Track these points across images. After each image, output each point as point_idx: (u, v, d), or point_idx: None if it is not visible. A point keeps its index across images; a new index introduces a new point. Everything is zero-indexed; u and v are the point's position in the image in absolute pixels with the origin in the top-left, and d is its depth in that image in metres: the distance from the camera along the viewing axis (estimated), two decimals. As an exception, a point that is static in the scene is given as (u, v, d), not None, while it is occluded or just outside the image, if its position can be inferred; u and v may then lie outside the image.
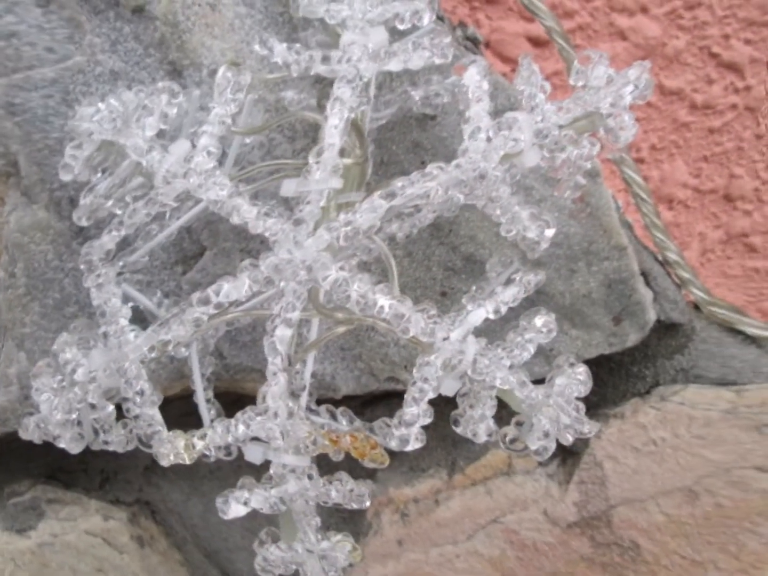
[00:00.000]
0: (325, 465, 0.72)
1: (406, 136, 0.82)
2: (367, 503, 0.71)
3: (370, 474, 0.92)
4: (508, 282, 0.71)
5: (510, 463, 0.93)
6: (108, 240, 0.71)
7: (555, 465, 0.94)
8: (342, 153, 0.66)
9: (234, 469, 0.88)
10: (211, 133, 0.69)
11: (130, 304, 0.72)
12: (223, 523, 0.90)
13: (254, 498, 0.69)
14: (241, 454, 0.70)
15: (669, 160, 1.26)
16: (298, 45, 0.70)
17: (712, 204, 1.27)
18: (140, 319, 0.74)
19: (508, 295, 0.69)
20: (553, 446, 0.68)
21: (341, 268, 0.64)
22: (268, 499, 0.70)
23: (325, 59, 0.68)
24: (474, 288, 0.74)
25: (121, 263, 0.73)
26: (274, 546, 0.73)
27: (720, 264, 1.30)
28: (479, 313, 0.68)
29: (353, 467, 0.74)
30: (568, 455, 0.94)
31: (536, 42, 1.20)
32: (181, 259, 0.84)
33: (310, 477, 0.69)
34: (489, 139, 0.65)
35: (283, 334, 0.65)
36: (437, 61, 0.69)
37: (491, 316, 0.68)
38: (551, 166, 0.68)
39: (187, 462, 0.69)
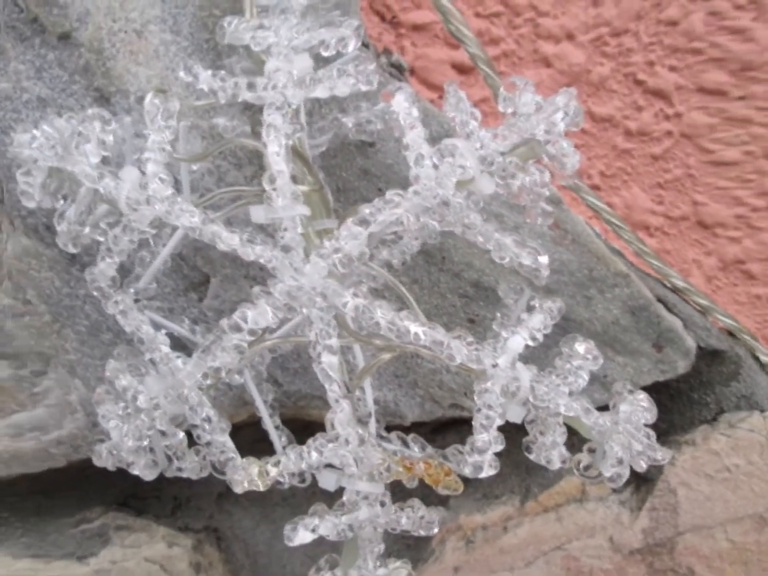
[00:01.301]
0: (398, 491, 0.72)
1: (351, 163, 0.84)
2: (436, 530, 0.72)
3: (443, 501, 0.92)
4: (530, 309, 0.72)
5: (583, 490, 0.93)
6: (105, 267, 0.71)
7: (628, 492, 0.94)
8: (294, 180, 0.67)
9: (307, 496, 0.89)
10: (155, 160, 0.69)
11: (163, 331, 0.72)
12: (287, 550, 0.91)
13: (323, 525, 0.70)
14: (314, 482, 0.70)
15: (624, 187, 1.26)
16: (223, 72, 0.69)
17: (691, 231, 1.27)
18: (175, 345, 0.74)
19: (537, 322, 0.70)
20: (626, 473, 0.68)
21: (355, 295, 0.65)
22: (337, 525, 0.70)
23: (251, 86, 0.67)
24: (499, 315, 0.74)
25: (132, 290, 0.74)
26: (330, 573, 0.73)
27: (729, 291, 1.30)
28: (517, 340, 0.69)
29: (425, 494, 0.75)
30: (641, 482, 0.94)
31: (461, 69, 1.20)
32: (190, 286, 0.85)
33: (382, 504, 0.69)
34: (435, 166, 0.65)
35: (330, 360, 0.66)
36: (363, 87, 0.68)
37: (530, 343, 0.69)
38: (510, 193, 0.68)
39: (261, 489, 0.69)
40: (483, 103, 1.18)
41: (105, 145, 0.70)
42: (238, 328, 0.66)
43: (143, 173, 0.68)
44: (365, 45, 0.85)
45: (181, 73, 0.71)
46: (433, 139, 0.68)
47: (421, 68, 1.20)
